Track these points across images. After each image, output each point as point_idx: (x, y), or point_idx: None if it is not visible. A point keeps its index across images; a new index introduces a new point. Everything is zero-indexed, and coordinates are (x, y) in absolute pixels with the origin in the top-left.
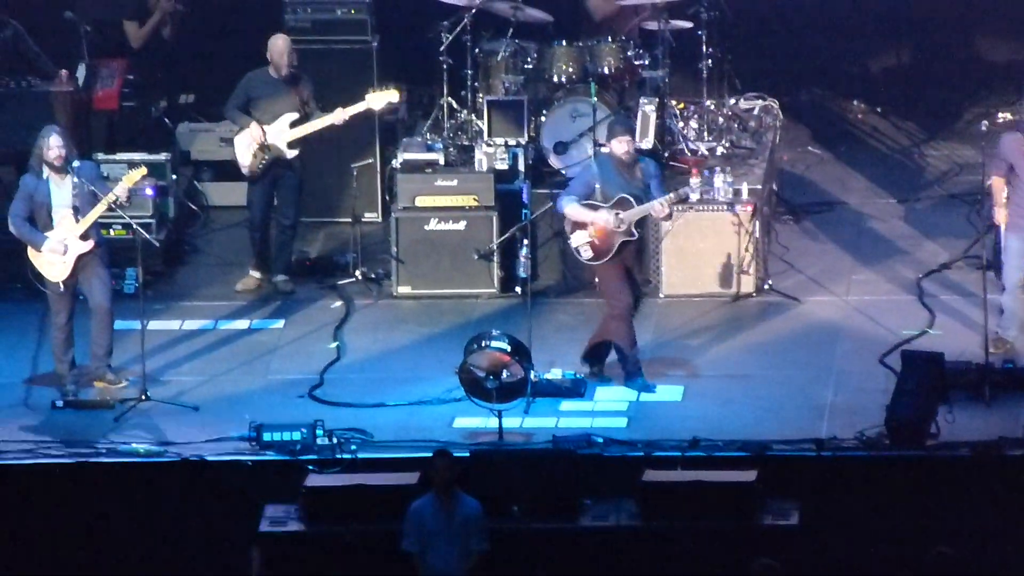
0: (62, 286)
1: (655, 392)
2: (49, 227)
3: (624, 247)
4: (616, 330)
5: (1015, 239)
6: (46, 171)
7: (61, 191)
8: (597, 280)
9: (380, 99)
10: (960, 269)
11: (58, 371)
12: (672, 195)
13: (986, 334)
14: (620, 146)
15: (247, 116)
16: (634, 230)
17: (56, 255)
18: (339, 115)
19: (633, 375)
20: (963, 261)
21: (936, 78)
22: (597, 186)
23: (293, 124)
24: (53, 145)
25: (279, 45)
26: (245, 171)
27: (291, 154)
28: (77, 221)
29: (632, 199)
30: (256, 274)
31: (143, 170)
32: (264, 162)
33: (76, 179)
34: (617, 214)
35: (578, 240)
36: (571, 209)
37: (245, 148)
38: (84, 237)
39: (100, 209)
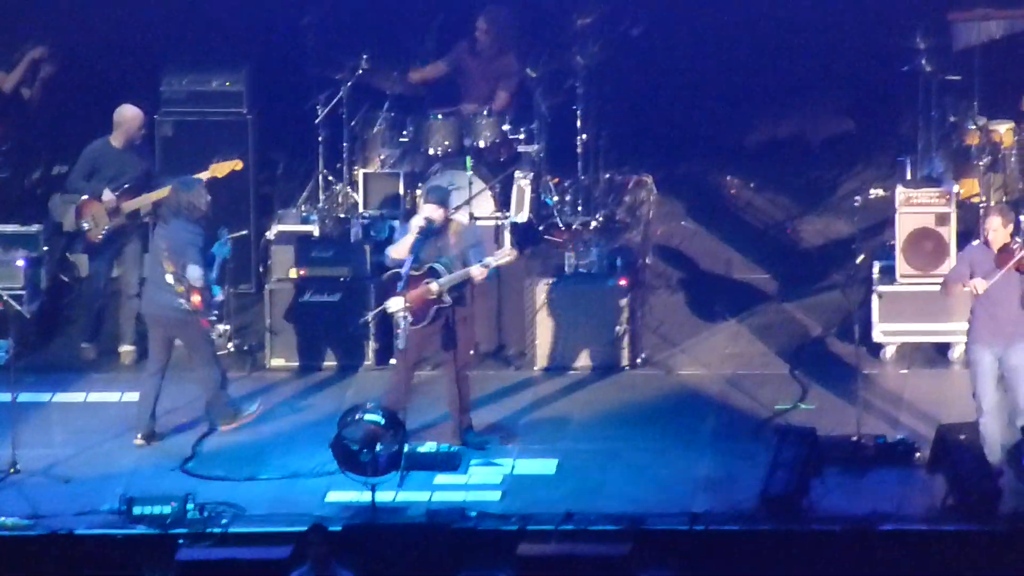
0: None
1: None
2: None
3: (440, 313)
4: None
5: (986, 353)
6: (172, 220)
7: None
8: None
9: (224, 168)
10: (832, 342)
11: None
12: (489, 259)
13: (860, 407)
14: (429, 212)
15: (92, 184)
16: (447, 296)
17: None
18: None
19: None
20: (835, 334)
21: (810, 154)
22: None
23: (124, 193)
24: (206, 195)
25: (129, 114)
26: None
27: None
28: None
29: (443, 268)
30: (90, 344)
31: (231, 237)
32: (107, 229)
33: (175, 233)
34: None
35: (395, 307)
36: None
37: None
38: None
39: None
